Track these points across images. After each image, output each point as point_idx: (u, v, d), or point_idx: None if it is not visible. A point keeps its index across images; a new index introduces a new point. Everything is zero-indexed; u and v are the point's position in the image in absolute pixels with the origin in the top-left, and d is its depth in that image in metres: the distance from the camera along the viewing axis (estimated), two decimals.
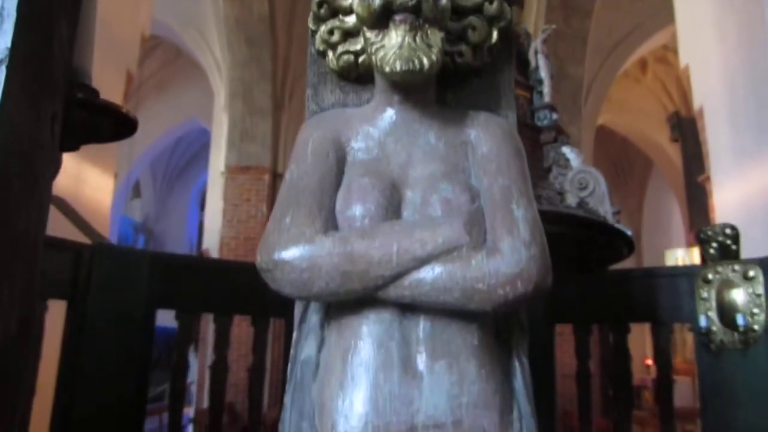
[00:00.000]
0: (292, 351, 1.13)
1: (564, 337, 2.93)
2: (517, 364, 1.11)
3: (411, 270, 0.98)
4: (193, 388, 9.15)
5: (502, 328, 1.13)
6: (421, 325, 1.02)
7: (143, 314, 2.38)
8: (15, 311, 1.12)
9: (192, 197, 17.49)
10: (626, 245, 2.45)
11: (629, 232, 2.41)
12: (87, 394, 2.21)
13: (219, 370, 2.63)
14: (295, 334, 1.14)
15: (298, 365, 1.10)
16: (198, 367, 9.13)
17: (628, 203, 14.81)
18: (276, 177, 9.38)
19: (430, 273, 0.97)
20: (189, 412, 8.01)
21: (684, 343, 9.92)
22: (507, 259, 0.99)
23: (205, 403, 6.83)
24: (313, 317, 1.12)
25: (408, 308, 1.02)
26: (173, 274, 2.54)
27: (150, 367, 2.40)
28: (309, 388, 1.06)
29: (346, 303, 1.04)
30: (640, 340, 7.77)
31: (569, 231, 2.11)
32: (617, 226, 2.39)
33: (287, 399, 1.08)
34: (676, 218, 14.08)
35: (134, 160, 12.19)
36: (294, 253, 0.98)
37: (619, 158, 15.54)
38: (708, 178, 6.08)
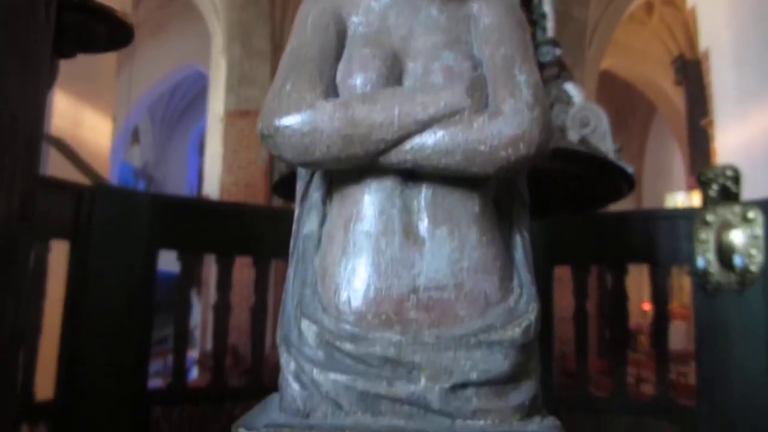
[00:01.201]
0: (294, 226, 1.14)
1: (562, 282, 2.96)
2: (517, 236, 1.12)
3: (413, 133, 0.97)
4: (197, 333, 9.31)
5: (503, 202, 1.14)
6: (423, 193, 1.03)
7: (145, 254, 2.40)
8: (16, 188, 1.12)
9: (191, 143, 17.41)
10: (626, 182, 2.45)
11: (630, 169, 2.40)
12: (92, 333, 2.25)
13: (221, 310, 2.66)
14: (296, 210, 1.15)
15: (300, 239, 1.12)
16: (201, 311, 9.26)
17: (630, 148, 14.74)
18: None
19: (431, 136, 0.97)
20: (193, 354, 8.18)
21: (681, 288, 10.05)
22: (509, 121, 0.98)
23: (209, 346, 6.96)
24: (315, 194, 1.13)
25: (410, 177, 1.02)
26: (174, 214, 2.55)
27: (153, 306, 2.43)
28: (311, 259, 1.08)
29: (348, 174, 1.05)
30: (637, 284, 7.86)
31: (570, 167, 2.10)
32: (618, 163, 2.38)
33: (290, 271, 1.10)
34: (678, 164, 14.06)
35: (132, 105, 12.08)
36: (295, 118, 0.98)
37: (622, 103, 15.39)
38: (711, 122, 6.05)
